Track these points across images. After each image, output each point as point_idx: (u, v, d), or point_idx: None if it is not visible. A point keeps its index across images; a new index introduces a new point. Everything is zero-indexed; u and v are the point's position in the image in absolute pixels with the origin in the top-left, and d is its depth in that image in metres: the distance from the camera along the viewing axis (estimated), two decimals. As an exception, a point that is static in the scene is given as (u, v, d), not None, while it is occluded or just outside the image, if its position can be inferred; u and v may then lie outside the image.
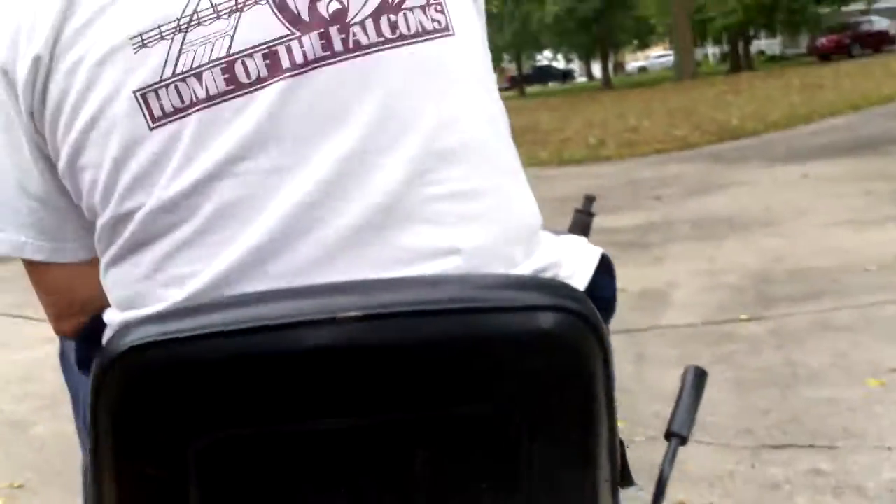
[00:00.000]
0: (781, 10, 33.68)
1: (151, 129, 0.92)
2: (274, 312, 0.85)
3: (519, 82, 51.11)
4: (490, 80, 1.04)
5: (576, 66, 66.66)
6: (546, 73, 62.02)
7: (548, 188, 9.76)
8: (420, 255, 0.92)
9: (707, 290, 4.88)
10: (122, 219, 0.95)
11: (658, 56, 60.22)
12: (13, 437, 3.81)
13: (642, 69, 60.11)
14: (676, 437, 1.13)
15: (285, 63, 0.92)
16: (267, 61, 0.91)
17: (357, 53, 0.93)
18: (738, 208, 7.17)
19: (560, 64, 65.68)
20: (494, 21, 45.31)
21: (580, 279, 1.06)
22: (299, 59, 0.92)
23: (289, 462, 0.87)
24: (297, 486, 0.88)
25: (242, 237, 0.91)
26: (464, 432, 0.88)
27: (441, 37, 0.98)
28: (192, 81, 0.91)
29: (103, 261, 1.00)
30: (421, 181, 0.93)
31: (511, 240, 0.98)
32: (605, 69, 43.53)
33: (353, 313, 0.83)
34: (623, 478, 1.01)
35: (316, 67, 0.92)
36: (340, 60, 0.93)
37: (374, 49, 0.94)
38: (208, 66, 0.92)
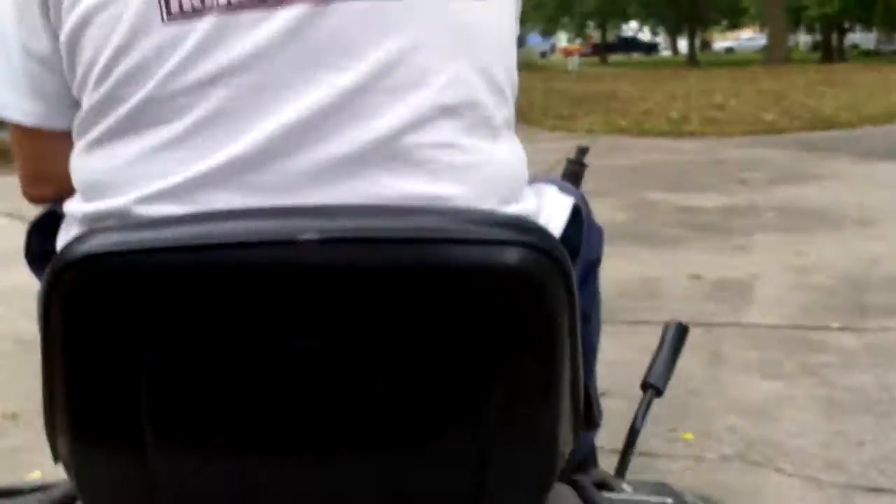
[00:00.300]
0: (880, 4, 32.35)
1: (164, 22, 0.92)
2: (234, 231, 0.85)
3: (601, 50, 50.19)
4: (510, 52, 1.05)
5: (661, 39, 65.27)
6: (630, 44, 60.86)
7: (624, 157, 9.25)
8: (403, 197, 0.92)
9: (794, 288, 4.39)
10: (112, 101, 0.94)
11: (748, 38, 58.56)
12: (24, 357, 3.45)
13: (729, 50, 58.52)
14: (652, 388, 1.12)
15: None
16: None
17: None
18: (830, 202, 6.61)
19: (645, 36, 64.35)
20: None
21: (553, 228, 1.05)
22: None
23: (239, 378, 0.86)
24: (248, 403, 0.87)
25: (228, 145, 0.91)
26: (423, 363, 0.87)
27: None
28: None
29: (82, 142, 0.99)
30: (418, 129, 0.93)
31: (495, 194, 0.98)
32: (691, 45, 42.39)
33: (311, 236, 0.82)
34: (587, 419, 1.00)
35: None
36: None
37: None
38: None
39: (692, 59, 39.21)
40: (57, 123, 1.05)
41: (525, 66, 29.43)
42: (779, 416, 2.87)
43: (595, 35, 56.19)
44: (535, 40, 48.81)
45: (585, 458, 1.30)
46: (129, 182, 0.94)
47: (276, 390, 0.87)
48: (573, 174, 1.48)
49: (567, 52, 39.43)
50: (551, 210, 1.09)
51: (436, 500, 0.93)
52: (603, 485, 1.14)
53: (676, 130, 11.24)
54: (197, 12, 0.91)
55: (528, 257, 0.85)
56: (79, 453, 0.91)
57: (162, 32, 0.91)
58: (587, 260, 1.20)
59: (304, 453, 0.90)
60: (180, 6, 0.91)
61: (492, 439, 0.89)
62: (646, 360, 3.39)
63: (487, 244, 0.86)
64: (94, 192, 0.97)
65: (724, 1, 42.42)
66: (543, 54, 49.68)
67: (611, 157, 9.30)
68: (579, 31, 54.07)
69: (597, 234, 1.25)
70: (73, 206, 1.00)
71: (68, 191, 1.04)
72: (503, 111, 1.03)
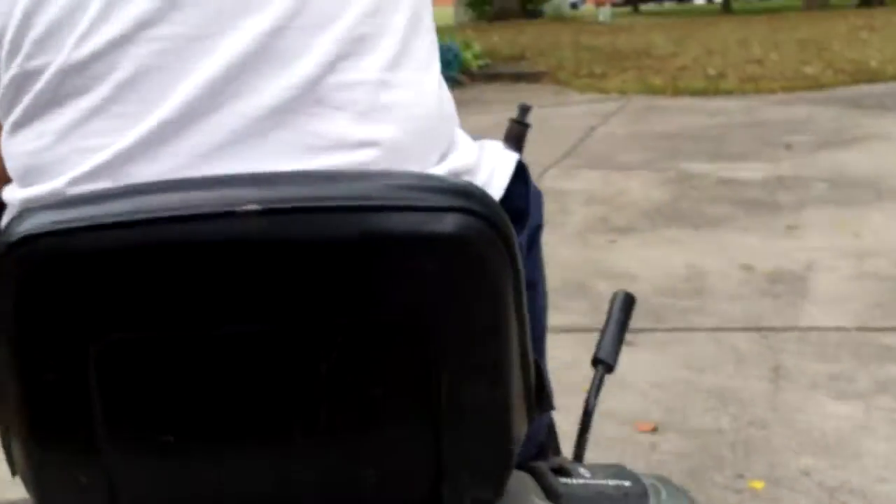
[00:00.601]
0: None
1: None
2: (173, 203, 0.83)
3: (633, -1, 49.21)
4: None
5: (693, -15, 63.89)
6: (662, -9, 59.61)
7: (659, 120, 8.81)
8: (334, 143, 0.91)
9: (856, 278, 3.99)
10: (28, 76, 0.92)
11: (782, -18, 57.18)
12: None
13: (764, -6, 57.20)
14: (603, 364, 1.13)
15: None
16: None
17: None
18: (883, 168, 6.15)
19: (677, -18, 63.02)
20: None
21: (496, 187, 1.03)
22: None
23: (189, 364, 0.86)
24: (197, 389, 0.86)
25: (153, 110, 0.89)
26: (367, 338, 0.86)
27: None
28: None
29: (6, 125, 0.97)
30: (339, 66, 0.92)
31: (428, 136, 0.97)
32: (725, -9, 41.37)
33: (251, 207, 0.81)
34: (540, 400, 0.97)
35: None
36: None
37: None
38: None
39: (726, 6, 38.28)
40: None
41: (555, 18, 28.78)
42: (858, 450, 2.51)
43: (625, -17, 55.11)
44: (565, -10, 47.84)
45: (544, 444, 1.27)
46: (60, 161, 0.92)
47: (222, 375, 0.86)
48: (516, 136, 1.37)
49: (598, 2, 38.64)
50: (493, 166, 1.05)
51: (393, 486, 0.91)
52: (561, 470, 1.12)
53: (714, 88, 10.71)
54: None
55: (466, 223, 0.84)
56: (33, 456, 0.89)
57: None
58: (532, 224, 1.16)
59: (256, 439, 0.89)
60: None
61: (443, 420, 0.88)
62: (702, 380, 3.03)
63: (425, 210, 0.84)
64: (28, 176, 0.95)
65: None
66: (574, 5, 48.67)
67: (645, 121, 8.87)
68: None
69: (537, 198, 1.19)
70: (10, 193, 0.98)
71: (5, 181, 1.01)
72: (424, 41, 1.00)
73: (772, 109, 9.25)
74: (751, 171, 6.25)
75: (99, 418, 0.86)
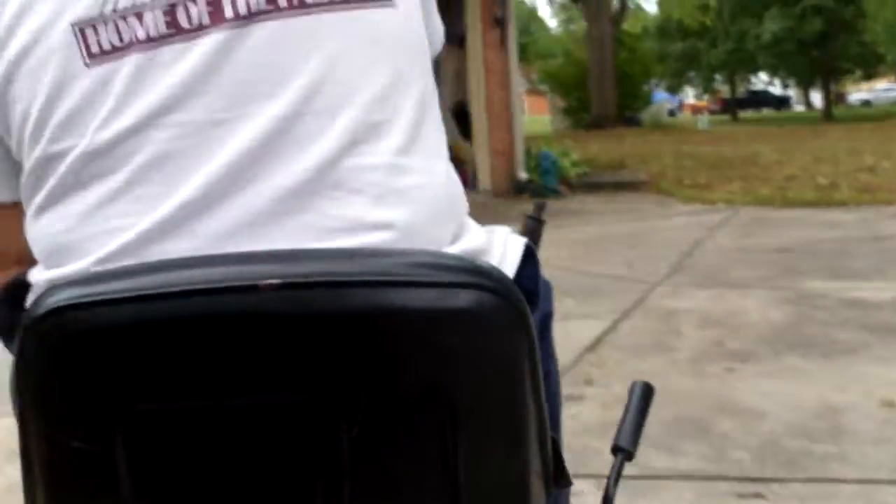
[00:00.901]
0: None
1: (87, 65, 0.92)
2: (197, 278, 0.84)
3: (732, 106, 48.89)
4: (425, 56, 1.05)
5: (792, 93, 63.36)
6: (761, 99, 59.19)
7: (770, 233, 8.38)
8: (351, 225, 0.93)
9: None
10: (52, 159, 0.94)
11: (885, 89, 56.23)
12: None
13: (866, 102, 56.26)
14: (622, 451, 1.11)
15: (228, 12, 0.93)
16: (210, 8, 0.92)
17: (301, 11, 0.94)
18: None
19: (776, 89, 62.57)
20: (707, 36, 43.54)
21: (507, 267, 1.05)
22: (243, 10, 0.93)
23: (212, 435, 0.86)
24: (221, 461, 0.87)
25: (174, 193, 0.91)
26: (387, 411, 0.86)
27: (383, 6, 0.99)
28: (133, 21, 0.92)
29: (30, 209, 0.99)
30: (355, 150, 0.93)
31: (441, 220, 1.00)
32: (826, 99, 40.81)
33: (273, 281, 0.83)
34: (558, 476, 0.99)
35: (259, 20, 0.93)
36: (284, 16, 0.93)
37: (318, 9, 0.95)
38: (150, 6, 0.92)
39: (828, 114, 37.68)
40: (2, 196, 1.04)
41: (653, 125, 28.60)
42: None
43: (723, 90, 54.90)
44: (661, 97, 47.77)
45: None
46: (85, 241, 0.93)
47: (245, 446, 0.86)
48: (531, 231, 1.38)
49: (695, 110, 38.48)
50: (504, 248, 1.08)
51: None
52: None
53: (826, 199, 10.24)
54: (118, 50, 0.92)
55: (482, 299, 0.86)
56: None
57: (88, 76, 0.92)
58: (543, 312, 1.15)
59: None
60: (100, 46, 0.92)
61: (462, 494, 0.88)
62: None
63: (442, 287, 0.86)
64: (53, 258, 0.97)
65: (857, 48, 40.75)
66: (672, 112, 48.56)
67: (754, 234, 8.45)
68: (706, 86, 52.91)
69: (546, 288, 1.19)
70: (37, 275, 0.99)
71: (31, 263, 1.02)
72: (434, 130, 1.03)
73: (891, 222, 8.74)
74: (879, 290, 5.78)
75: (125, 489, 0.86)
